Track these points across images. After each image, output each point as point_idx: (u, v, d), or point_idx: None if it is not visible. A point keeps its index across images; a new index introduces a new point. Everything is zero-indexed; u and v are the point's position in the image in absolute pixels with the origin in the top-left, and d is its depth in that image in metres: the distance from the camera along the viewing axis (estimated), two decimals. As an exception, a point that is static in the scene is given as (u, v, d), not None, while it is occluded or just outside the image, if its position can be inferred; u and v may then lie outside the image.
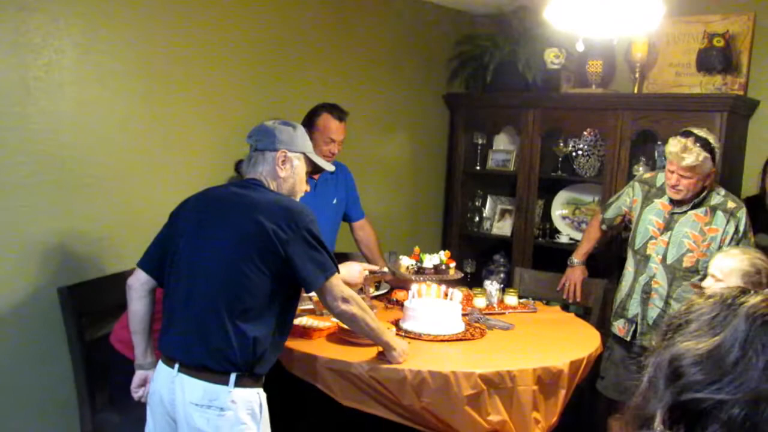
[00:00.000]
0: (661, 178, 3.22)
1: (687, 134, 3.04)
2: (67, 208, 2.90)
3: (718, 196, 3.11)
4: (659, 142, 3.96)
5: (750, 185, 3.93)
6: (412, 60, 4.47)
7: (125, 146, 3.07)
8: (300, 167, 2.36)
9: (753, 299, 0.87)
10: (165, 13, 3.16)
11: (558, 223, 4.49)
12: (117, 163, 3.04)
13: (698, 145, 2.98)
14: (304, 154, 2.37)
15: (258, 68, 3.61)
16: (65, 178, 2.89)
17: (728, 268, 2.56)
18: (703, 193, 3.10)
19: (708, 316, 0.88)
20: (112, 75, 3.00)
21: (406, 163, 4.58)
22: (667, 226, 3.15)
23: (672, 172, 3.05)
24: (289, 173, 2.33)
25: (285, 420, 2.43)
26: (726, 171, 3.74)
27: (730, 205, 3.08)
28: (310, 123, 3.34)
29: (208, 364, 2.11)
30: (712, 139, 3.04)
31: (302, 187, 2.39)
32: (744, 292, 0.90)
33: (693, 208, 3.11)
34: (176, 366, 2.15)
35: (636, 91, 4.14)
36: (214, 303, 2.13)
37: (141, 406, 2.36)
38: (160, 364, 2.23)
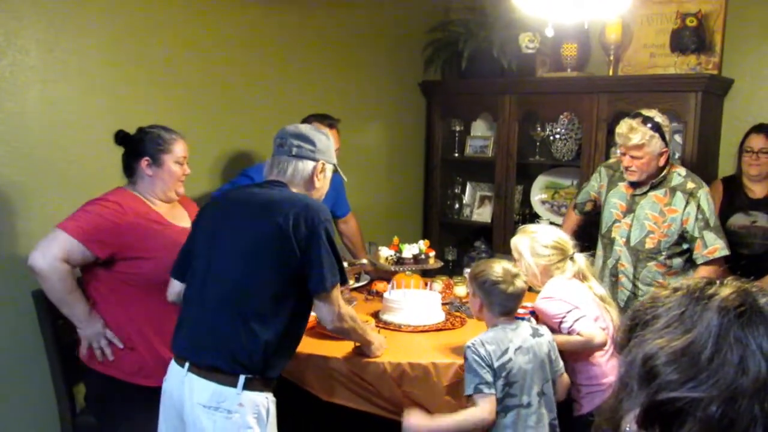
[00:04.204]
0: None
1: (635, 115, 3.09)
2: (37, 209, 2.85)
3: (678, 177, 3.13)
4: (635, 124, 3.96)
5: (726, 164, 3.94)
6: (386, 48, 4.44)
7: (93, 145, 3.02)
8: (329, 177, 2.38)
9: (723, 292, 0.85)
10: (131, 10, 3.11)
11: (537, 207, 4.48)
12: (86, 162, 3.00)
13: (646, 125, 3.02)
14: (334, 165, 2.39)
15: (228, 63, 3.56)
16: (34, 178, 2.85)
17: (518, 247, 2.71)
18: (662, 174, 3.11)
19: (677, 311, 0.86)
20: (78, 73, 2.95)
21: (383, 152, 4.55)
22: (630, 209, 3.18)
23: (624, 154, 3.10)
24: (322, 183, 2.34)
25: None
26: (702, 151, 3.75)
27: (690, 185, 3.09)
28: None
29: (217, 365, 2.09)
30: (659, 118, 3.07)
31: (324, 195, 2.41)
32: (710, 283, 0.88)
33: (652, 189, 3.13)
34: (186, 365, 2.14)
35: (611, 73, 4.13)
36: (226, 302, 2.13)
37: (117, 416, 2.39)
38: (172, 364, 2.22)
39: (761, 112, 3.80)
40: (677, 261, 3.12)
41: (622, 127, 3.07)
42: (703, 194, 3.07)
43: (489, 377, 2.26)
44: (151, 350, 2.51)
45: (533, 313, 2.67)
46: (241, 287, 2.13)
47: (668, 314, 0.86)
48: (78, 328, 2.50)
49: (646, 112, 3.09)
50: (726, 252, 3.07)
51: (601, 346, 2.53)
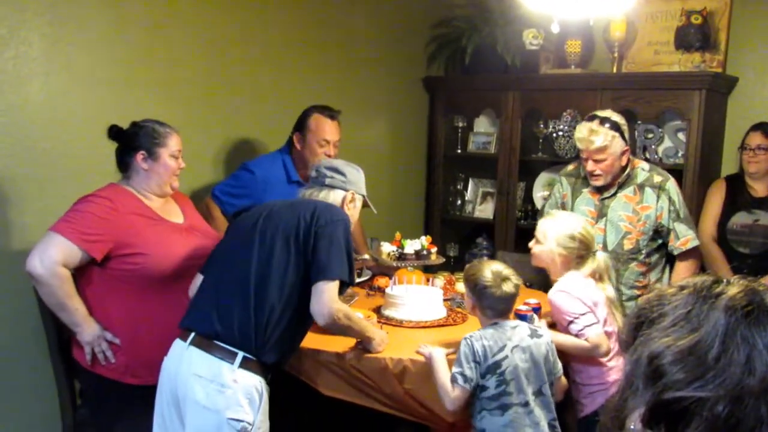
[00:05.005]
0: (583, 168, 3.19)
1: (591, 118, 3.06)
2: (39, 203, 2.85)
3: (643, 172, 3.11)
4: (639, 122, 3.95)
5: (730, 163, 3.93)
6: (389, 44, 4.42)
7: (96, 138, 2.99)
8: (359, 208, 2.59)
9: (730, 291, 0.85)
10: (134, 4, 3.10)
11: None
12: (88, 155, 2.99)
13: (604, 125, 2.99)
14: (363, 196, 2.59)
15: (232, 58, 3.55)
16: (37, 171, 2.84)
17: (546, 231, 2.67)
18: (626, 172, 3.09)
19: (683, 309, 0.85)
20: (81, 66, 2.94)
21: (386, 148, 4.54)
22: (601, 213, 3.13)
23: (586, 159, 3.05)
24: (352, 212, 2.51)
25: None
26: (705, 149, 3.74)
27: (657, 179, 3.07)
28: (301, 126, 3.27)
29: (221, 334, 2.19)
30: (616, 117, 3.05)
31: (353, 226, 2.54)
32: (717, 281, 0.87)
33: (620, 189, 3.10)
34: (189, 338, 2.23)
35: (615, 70, 4.12)
36: (242, 283, 2.24)
37: (108, 413, 2.48)
38: (176, 341, 2.29)
39: (765, 111, 3.79)
40: (655, 257, 3.12)
41: (582, 131, 3.02)
42: (672, 186, 3.07)
43: (471, 373, 2.27)
44: (140, 350, 2.48)
45: (537, 310, 2.66)
46: (258, 272, 2.24)
47: (675, 313, 0.86)
48: (77, 333, 2.46)
49: (601, 113, 3.07)
50: (697, 242, 3.08)
51: (603, 355, 2.51)
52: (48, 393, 2.84)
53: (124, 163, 2.59)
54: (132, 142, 2.56)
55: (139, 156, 2.55)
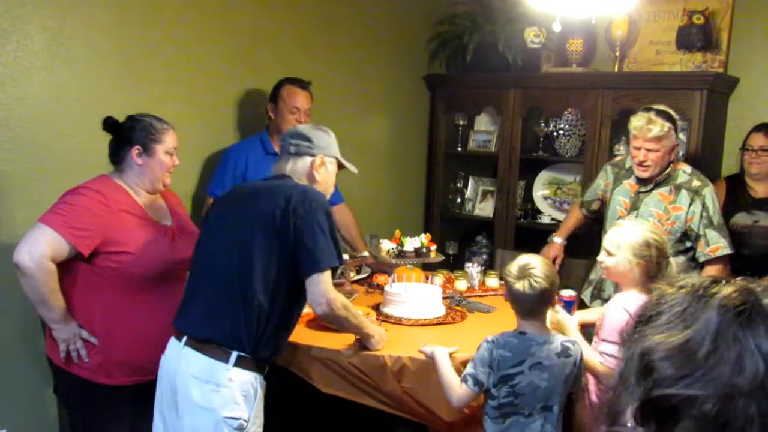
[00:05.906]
0: (629, 160, 3.21)
1: (648, 109, 3.07)
2: (41, 197, 2.84)
3: (684, 175, 3.12)
4: (640, 121, 3.95)
5: (730, 163, 3.93)
6: (391, 40, 4.42)
7: (96, 132, 2.98)
8: (333, 171, 2.49)
9: (725, 290, 0.84)
10: (136, -4, 3.11)
11: (540, 203, 4.48)
12: (88, 149, 2.98)
13: (661, 116, 3.01)
14: (336, 158, 2.48)
15: (234, 54, 3.55)
16: (39, 165, 2.84)
17: (618, 242, 2.52)
18: (667, 171, 3.10)
19: (679, 308, 0.85)
20: (82, 59, 2.94)
21: (386, 144, 4.54)
22: (634, 206, 3.16)
23: (638, 148, 3.06)
24: (324, 176, 2.43)
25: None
26: (706, 149, 3.74)
27: (695, 183, 3.08)
28: (274, 97, 3.41)
29: (213, 338, 2.18)
30: (671, 111, 3.07)
31: (332, 189, 2.50)
32: (715, 282, 0.87)
33: (656, 186, 3.12)
34: (184, 339, 2.23)
35: (616, 69, 4.12)
36: (228, 282, 2.22)
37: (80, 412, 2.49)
38: (172, 339, 2.30)
39: (766, 111, 3.79)
40: (681, 259, 3.11)
41: (640, 120, 3.03)
42: (708, 192, 3.07)
43: (483, 377, 2.22)
44: (116, 350, 2.43)
45: (570, 304, 2.60)
46: (242, 269, 2.20)
47: (670, 311, 0.86)
48: (53, 330, 2.39)
49: (656, 106, 3.08)
50: (728, 251, 3.07)
51: (606, 384, 2.41)
52: (45, 388, 2.84)
53: (117, 156, 2.54)
54: (128, 136, 2.51)
55: (134, 151, 2.49)
